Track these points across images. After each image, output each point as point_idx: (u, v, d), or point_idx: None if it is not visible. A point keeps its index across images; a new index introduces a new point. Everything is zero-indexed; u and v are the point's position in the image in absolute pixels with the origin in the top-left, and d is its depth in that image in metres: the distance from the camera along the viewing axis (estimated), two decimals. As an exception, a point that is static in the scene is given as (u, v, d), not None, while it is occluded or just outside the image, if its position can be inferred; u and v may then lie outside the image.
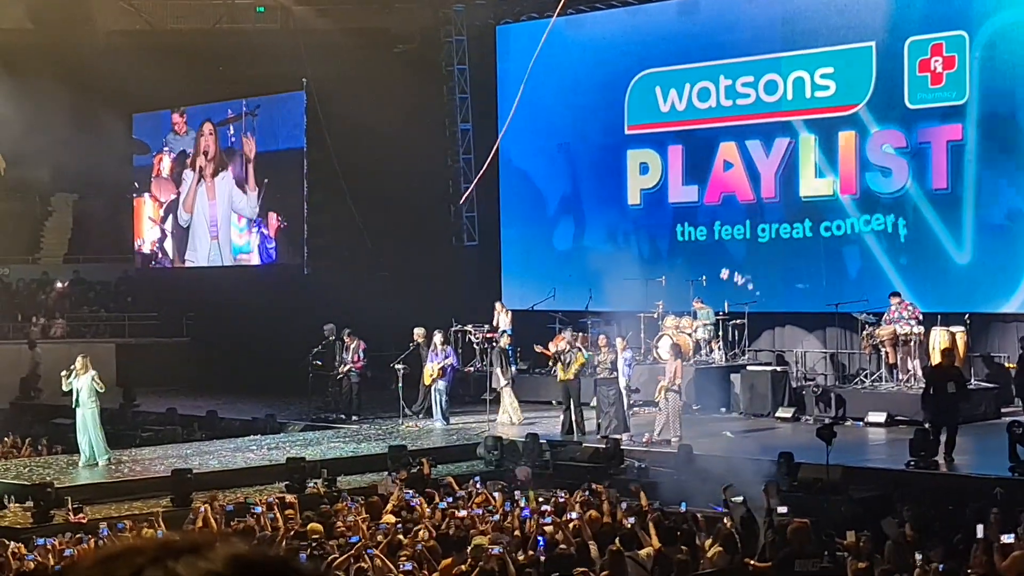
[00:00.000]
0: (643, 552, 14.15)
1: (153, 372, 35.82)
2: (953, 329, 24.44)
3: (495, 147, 31.33)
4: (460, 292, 32.35)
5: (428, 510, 16.93)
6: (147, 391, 33.12)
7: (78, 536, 16.18)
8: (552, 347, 25.92)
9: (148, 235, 40.90)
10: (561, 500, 17.31)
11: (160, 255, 40.63)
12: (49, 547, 15.26)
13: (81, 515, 18.61)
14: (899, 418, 24.02)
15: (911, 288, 26.03)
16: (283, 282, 36.17)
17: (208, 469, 22.20)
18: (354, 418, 27.72)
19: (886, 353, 25.14)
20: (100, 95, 37.98)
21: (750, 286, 27.58)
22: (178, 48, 37.12)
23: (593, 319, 28.93)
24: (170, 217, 40.13)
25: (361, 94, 33.14)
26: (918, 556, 13.38)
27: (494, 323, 29.63)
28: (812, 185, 28.11)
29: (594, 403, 24.79)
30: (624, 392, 24.23)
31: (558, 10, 29.36)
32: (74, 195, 43.67)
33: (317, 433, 26.55)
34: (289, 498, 18.36)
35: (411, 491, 18.42)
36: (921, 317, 24.72)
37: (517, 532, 15.21)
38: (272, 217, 37.19)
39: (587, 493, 17.90)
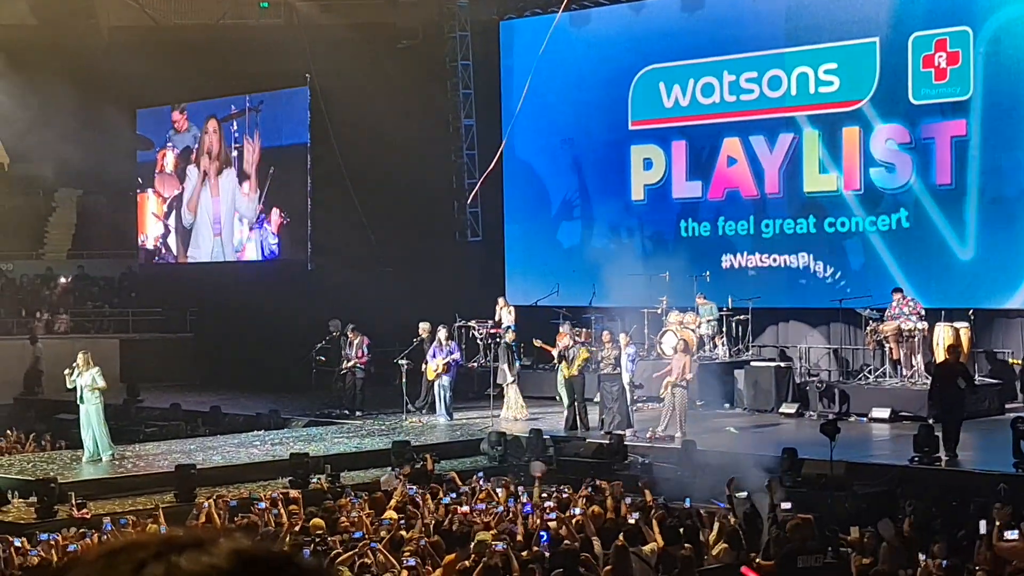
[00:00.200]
0: (647, 548, 14.14)
1: (157, 368, 35.83)
2: (957, 325, 24.42)
3: (502, 144, 31.33)
4: (464, 288, 32.33)
5: (432, 506, 16.93)
6: (151, 387, 33.12)
7: (81, 531, 16.17)
8: (557, 343, 25.98)
9: (152, 231, 40.92)
10: (564, 496, 17.31)
11: (164, 251, 40.65)
12: (52, 542, 15.26)
13: (84, 511, 18.61)
14: (903, 414, 24.03)
15: (914, 284, 26.01)
16: (287, 278, 36.17)
17: (212, 465, 22.22)
18: (357, 414, 27.73)
19: (890, 349, 25.12)
20: (104, 91, 37.99)
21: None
22: (182, 44, 37.13)
23: (596, 315, 28.92)
24: (173, 213, 40.15)
25: (365, 90, 33.15)
26: (921, 557, 13.35)
27: (496, 319, 29.63)
28: (816, 181, 28.09)
29: (598, 399, 24.78)
30: (627, 388, 24.23)
31: (563, 6, 29.39)
32: (78, 190, 43.69)
33: (321, 429, 26.55)
34: (293, 493, 18.36)
35: (414, 487, 18.42)
36: (923, 312, 24.71)
37: (520, 529, 15.19)
38: (275, 213, 37.20)
39: (590, 489, 17.90)
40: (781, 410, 25.60)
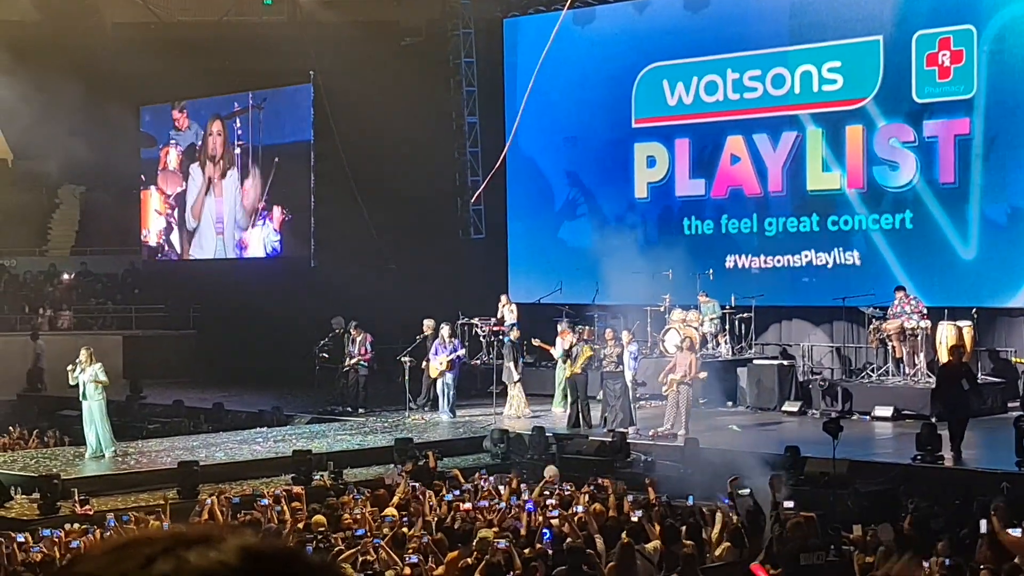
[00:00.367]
0: (650, 546, 14.14)
1: (160, 364, 35.88)
2: (960, 323, 24.42)
3: (508, 142, 31.33)
4: (467, 285, 32.34)
5: (434, 503, 16.93)
6: (154, 383, 33.15)
7: (84, 528, 16.19)
8: (560, 341, 26.03)
9: (155, 227, 40.94)
10: (567, 493, 17.31)
11: (167, 248, 40.67)
12: (55, 539, 15.28)
13: (87, 507, 18.63)
14: (906, 412, 24.03)
15: (917, 282, 26.00)
16: (290, 275, 36.19)
17: (214, 461, 22.23)
18: (360, 411, 27.74)
19: (893, 347, 25.13)
20: (108, 87, 38.02)
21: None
22: (185, 41, 37.14)
23: (599, 312, 28.92)
24: (176, 210, 40.16)
25: (368, 87, 33.15)
26: (925, 565, 13.34)
27: (499, 316, 29.65)
28: (819, 179, 28.09)
29: (600, 397, 24.79)
30: (630, 386, 24.25)
31: (568, 4, 29.39)
32: (81, 187, 43.73)
33: (323, 426, 26.56)
34: (296, 490, 18.37)
35: (417, 484, 18.42)
36: (925, 311, 24.70)
37: (524, 526, 15.19)
38: (276, 211, 37.23)
39: (592, 488, 17.89)
40: (784, 408, 25.61)
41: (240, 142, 38.17)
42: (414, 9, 36.09)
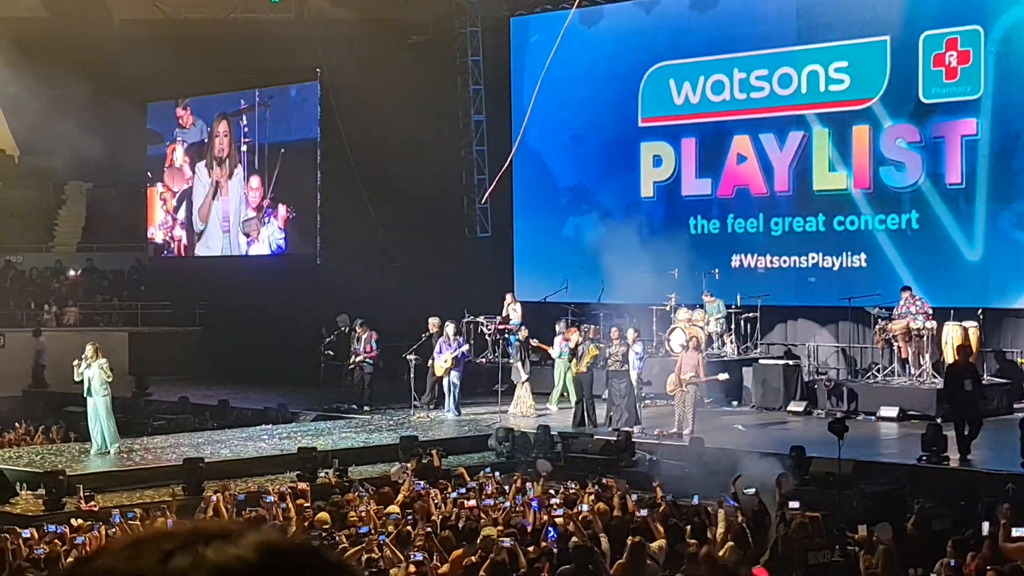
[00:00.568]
0: (654, 545, 14.13)
1: (165, 361, 35.89)
2: (966, 324, 24.40)
3: (517, 141, 31.33)
4: (472, 283, 32.34)
5: (439, 500, 16.94)
6: (159, 380, 33.19)
7: (89, 524, 16.21)
8: (557, 342, 26.13)
9: (161, 224, 40.97)
10: (572, 492, 17.31)
11: (173, 244, 40.69)
12: (60, 535, 15.30)
13: (92, 503, 18.65)
14: (911, 413, 24.02)
15: (923, 283, 25.97)
16: (296, 272, 36.20)
17: (220, 458, 22.26)
18: (365, 408, 27.75)
19: (898, 348, 25.11)
20: (115, 84, 38.04)
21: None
22: (192, 38, 37.13)
23: (605, 311, 28.91)
24: (183, 207, 40.19)
25: (375, 85, 33.14)
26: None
27: (504, 315, 29.66)
28: (825, 179, 28.07)
29: (605, 396, 24.79)
30: (635, 385, 24.26)
31: (576, 3, 29.37)
32: (88, 183, 43.72)
33: (329, 423, 26.58)
34: (301, 486, 18.38)
35: (422, 482, 18.44)
36: (931, 312, 24.68)
37: (530, 524, 15.20)
38: (281, 208, 37.25)
39: (597, 487, 17.89)
40: (789, 408, 25.61)
41: (246, 139, 38.18)
42: (421, 7, 36.07)
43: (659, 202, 30.67)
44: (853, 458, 19.34)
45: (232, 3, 38.73)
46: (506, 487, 18.13)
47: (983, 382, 22.41)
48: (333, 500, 17.36)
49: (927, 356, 24.72)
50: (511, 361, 27.46)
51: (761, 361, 27.09)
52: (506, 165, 31.67)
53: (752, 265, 29.08)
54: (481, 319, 30.23)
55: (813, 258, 28.23)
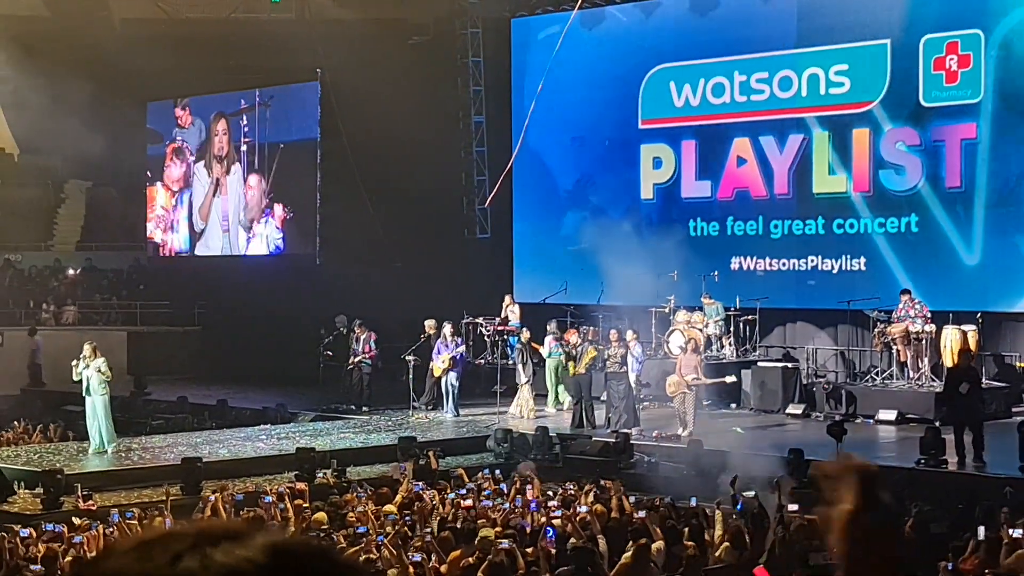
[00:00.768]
0: (653, 547, 14.13)
1: (164, 360, 35.88)
2: (965, 328, 24.39)
3: (519, 142, 31.31)
4: (472, 284, 32.34)
5: (437, 502, 16.93)
6: (158, 379, 33.18)
7: (87, 523, 16.19)
8: (547, 343, 26.17)
9: (160, 223, 40.98)
10: (570, 493, 17.31)
11: (172, 244, 40.71)
12: (58, 534, 15.28)
13: (90, 502, 18.64)
14: (910, 416, 24.00)
15: (922, 286, 25.96)
16: (295, 272, 36.20)
17: (218, 458, 22.24)
18: (364, 409, 27.74)
19: (897, 351, 25.11)
20: (115, 83, 38.05)
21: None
22: (193, 37, 37.15)
23: (604, 313, 28.89)
24: (183, 207, 40.19)
25: (375, 85, 33.14)
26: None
27: (503, 315, 29.65)
28: (825, 182, 28.07)
29: (604, 397, 24.79)
30: (634, 386, 24.26)
31: (578, 5, 29.37)
32: (88, 182, 43.73)
33: (327, 423, 26.58)
34: (299, 486, 18.37)
35: (420, 483, 18.43)
36: (929, 315, 24.68)
37: (530, 525, 15.19)
38: (279, 208, 37.26)
39: (596, 488, 17.88)
40: (788, 411, 25.60)
41: (246, 139, 38.19)
42: (422, 7, 36.08)
43: (659, 204, 30.67)
44: (851, 461, 19.29)
45: (233, 3, 38.74)
46: (504, 488, 18.12)
47: (981, 385, 22.34)
48: (331, 500, 17.34)
49: (926, 360, 24.72)
50: (512, 363, 27.46)
51: (760, 364, 27.07)
52: (507, 168, 31.65)
53: (751, 268, 29.09)
54: (480, 320, 30.22)
55: (812, 261, 28.23)
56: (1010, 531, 13.78)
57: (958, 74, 26.13)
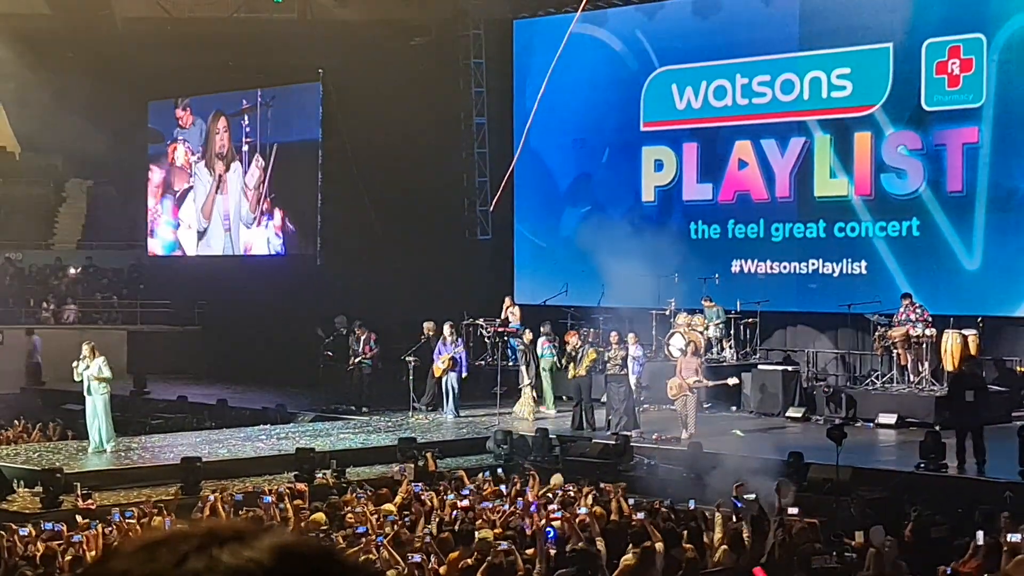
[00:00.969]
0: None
1: (164, 360, 35.88)
2: (965, 332, 24.38)
3: (521, 144, 31.30)
4: (472, 286, 32.33)
5: (437, 503, 16.93)
6: (158, 379, 33.17)
7: (86, 522, 16.18)
8: (547, 343, 26.17)
9: (161, 223, 41.01)
10: (570, 495, 17.30)
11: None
12: (57, 532, 15.28)
13: (90, 501, 18.63)
14: (910, 420, 23.99)
15: (923, 290, 25.95)
16: (295, 272, 36.21)
17: (217, 458, 22.22)
18: (364, 410, 27.73)
19: (898, 355, 25.10)
20: (117, 82, 38.06)
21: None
22: (195, 37, 37.16)
23: (604, 315, 28.89)
24: (183, 206, 40.21)
25: (377, 86, 33.15)
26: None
27: (503, 317, 29.65)
28: (827, 185, 28.06)
29: (604, 400, 24.78)
30: (634, 389, 24.26)
31: (581, 7, 29.37)
32: (89, 181, 43.75)
33: (327, 424, 26.57)
34: (299, 487, 18.36)
35: (419, 484, 18.42)
36: (930, 319, 24.67)
37: (530, 527, 15.18)
38: (277, 214, 37.27)
39: (594, 491, 17.87)
40: (788, 414, 25.58)
41: (248, 139, 38.20)
42: (424, 9, 36.07)
43: (660, 206, 30.66)
44: (851, 465, 19.32)
45: (235, 2, 38.73)
46: (504, 489, 18.11)
47: (988, 392, 22.26)
48: (329, 501, 17.34)
49: (926, 364, 24.71)
50: (512, 364, 27.47)
51: (760, 367, 27.07)
52: (509, 170, 31.63)
53: (752, 270, 29.08)
54: (480, 322, 30.21)
55: (813, 264, 28.23)
56: (1010, 536, 13.76)
57: (960, 78, 26.13)
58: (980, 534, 14.18)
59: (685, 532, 14.82)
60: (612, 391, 24.20)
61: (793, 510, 15.50)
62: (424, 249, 34.00)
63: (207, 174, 39.37)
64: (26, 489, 20.18)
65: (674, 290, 28.19)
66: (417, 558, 13.18)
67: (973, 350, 23.91)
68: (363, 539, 14.06)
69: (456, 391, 26.78)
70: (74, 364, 22.97)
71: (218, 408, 28.99)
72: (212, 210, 39.22)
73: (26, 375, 35.11)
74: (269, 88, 37.52)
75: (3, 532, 15.12)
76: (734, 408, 26.44)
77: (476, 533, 14.22)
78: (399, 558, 13.43)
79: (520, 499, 17.09)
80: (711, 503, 16.61)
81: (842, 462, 18.91)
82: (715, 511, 15.94)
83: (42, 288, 40.21)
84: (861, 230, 27.58)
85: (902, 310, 24.93)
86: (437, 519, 15.82)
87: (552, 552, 13.96)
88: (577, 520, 15.07)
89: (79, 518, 16.63)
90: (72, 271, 41.26)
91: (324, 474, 20.63)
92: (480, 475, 19.58)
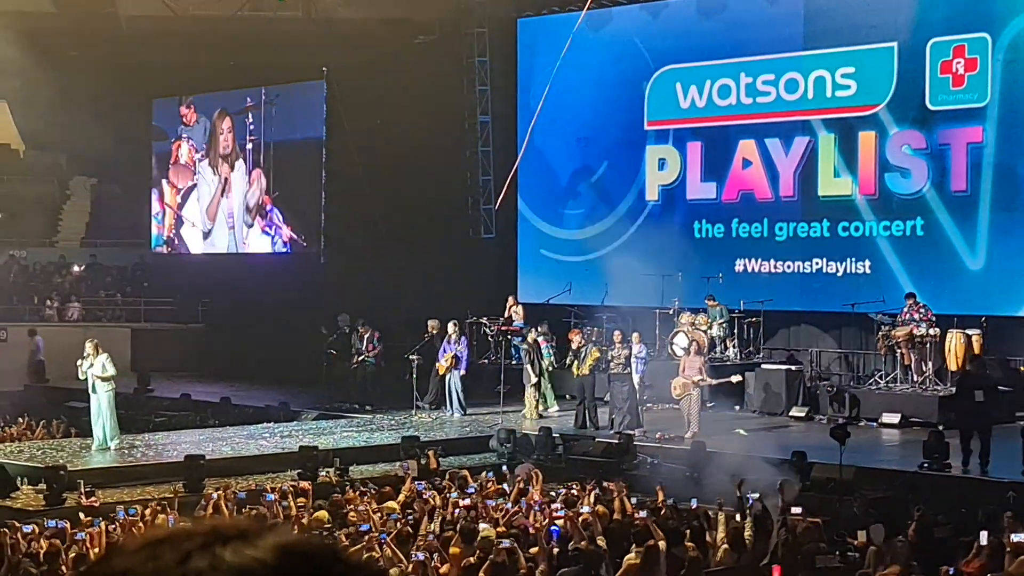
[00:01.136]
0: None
1: (168, 358, 35.89)
2: (969, 332, 24.37)
3: (525, 142, 31.29)
4: (476, 284, 32.33)
5: (440, 502, 16.93)
6: (161, 376, 33.19)
7: (89, 519, 16.20)
8: (544, 343, 26.21)
9: (165, 221, 41.02)
10: (574, 493, 17.30)
11: (176, 241, 40.73)
12: (60, 530, 15.28)
13: (93, 499, 18.64)
14: (913, 420, 23.98)
15: (926, 290, 25.93)
16: (299, 270, 36.21)
17: (220, 456, 22.23)
18: (367, 408, 27.74)
19: (901, 354, 25.08)
20: (121, 80, 38.08)
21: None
22: (199, 35, 37.16)
23: (608, 314, 28.89)
24: (187, 204, 40.23)
25: (381, 84, 33.15)
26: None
27: (506, 315, 29.65)
28: (831, 185, 28.04)
29: (608, 398, 24.78)
30: (637, 388, 24.25)
31: (587, 6, 29.35)
32: (93, 179, 43.77)
33: (330, 422, 26.59)
34: (303, 485, 18.37)
35: (423, 482, 18.42)
36: (934, 319, 24.66)
37: (533, 525, 15.18)
38: (282, 207, 37.28)
39: (598, 489, 17.87)
40: (791, 413, 25.58)
41: (252, 137, 38.21)
42: (429, 7, 36.04)
43: (664, 205, 30.64)
44: (854, 464, 19.31)
45: (239, 1, 38.74)
46: (507, 488, 18.11)
47: (998, 392, 22.16)
48: (333, 499, 17.34)
49: (930, 363, 24.69)
50: (516, 363, 27.46)
51: (764, 366, 27.06)
52: (514, 169, 31.62)
53: (756, 270, 29.07)
54: (484, 320, 30.22)
55: (817, 264, 28.21)
56: (1013, 536, 13.75)
57: (965, 78, 26.11)
58: (983, 534, 14.17)
59: (688, 531, 14.81)
60: (615, 390, 24.21)
61: (796, 509, 15.50)
62: (428, 248, 33.99)
63: (211, 173, 39.38)
64: (30, 486, 20.20)
65: (678, 289, 28.18)
66: (420, 556, 13.18)
67: (977, 350, 23.90)
68: (366, 537, 14.06)
69: (460, 389, 26.78)
70: (78, 362, 22.98)
71: (221, 406, 29.01)
72: (217, 212, 39.22)
73: (30, 373, 35.13)
74: (273, 86, 37.52)
75: (6, 529, 15.12)
76: (737, 407, 26.41)
77: (479, 532, 14.22)
78: (402, 556, 13.43)
79: (523, 499, 17.10)
80: (714, 502, 16.62)
81: (845, 461, 18.90)
82: (718, 510, 15.93)
83: (46, 286, 40.23)
84: (865, 229, 27.56)
85: (906, 310, 24.91)
86: (440, 517, 15.82)
87: (555, 551, 13.96)
88: (580, 519, 15.07)
89: (82, 515, 16.64)
90: (76, 269, 41.27)
91: (327, 472, 20.64)
92: (483, 473, 19.56)
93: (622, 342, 24.39)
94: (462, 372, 26.96)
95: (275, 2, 38.04)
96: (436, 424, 25.90)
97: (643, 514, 15.34)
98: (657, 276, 28.23)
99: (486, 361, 30.08)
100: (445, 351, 26.86)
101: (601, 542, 14.35)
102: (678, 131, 30.31)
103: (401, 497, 17.27)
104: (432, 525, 15.32)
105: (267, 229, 37.82)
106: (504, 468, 20.63)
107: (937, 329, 24.48)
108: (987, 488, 18.51)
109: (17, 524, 15.62)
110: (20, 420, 28.01)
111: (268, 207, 37.66)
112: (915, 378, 25.00)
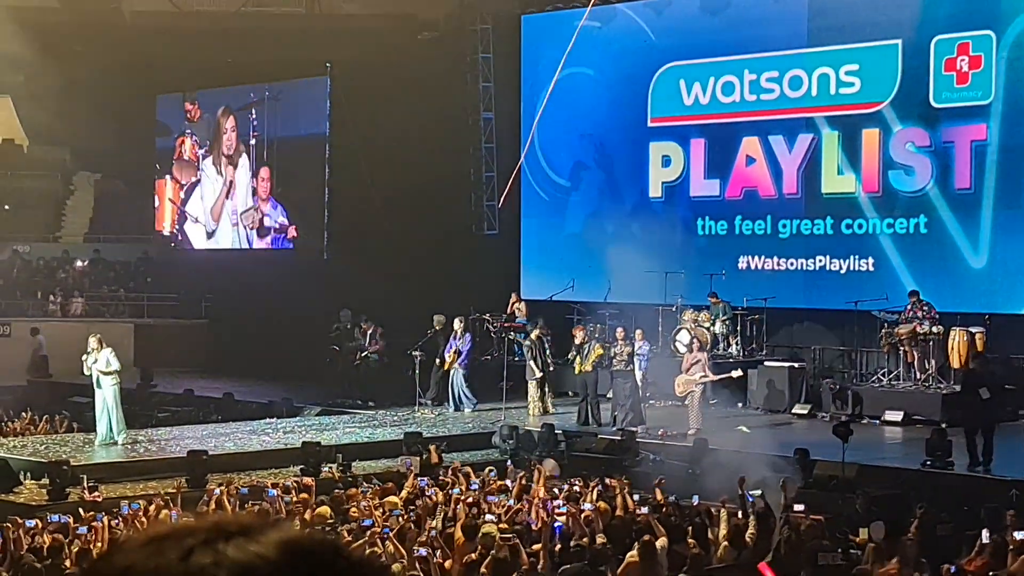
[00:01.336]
0: (657, 544, 14.12)
1: (171, 353, 35.91)
2: (972, 330, 24.35)
3: (529, 139, 31.28)
4: (479, 281, 32.33)
5: (442, 498, 16.94)
6: (164, 372, 33.20)
7: (92, 514, 16.21)
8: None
9: (169, 216, 41.03)
10: (576, 490, 17.31)
11: (180, 237, 40.74)
12: (63, 524, 15.30)
13: (96, 494, 18.65)
14: (916, 417, 23.97)
15: (930, 287, 25.91)
16: (303, 266, 36.21)
17: (223, 451, 22.24)
18: (370, 404, 27.75)
19: (904, 352, 25.07)
20: (125, 75, 38.09)
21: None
22: (203, 31, 37.19)
23: (611, 311, 28.89)
24: (190, 200, 40.23)
25: (385, 80, 33.14)
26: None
27: (508, 312, 29.64)
28: (834, 182, 28.03)
29: (610, 395, 24.78)
30: (640, 385, 24.25)
31: (591, 3, 29.35)
32: (96, 174, 43.79)
33: (333, 418, 26.60)
34: (306, 481, 18.37)
35: (425, 478, 18.43)
36: (937, 316, 24.65)
37: (537, 521, 15.19)
38: (285, 203, 37.29)
39: (599, 487, 17.87)
40: (794, 411, 25.57)
41: (255, 133, 38.21)
42: (432, 3, 36.07)
43: (667, 202, 30.64)
44: (857, 462, 19.32)
45: (243, -4, 38.80)
46: (509, 483, 18.12)
47: (1003, 390, 22.13)
48: (335, 495, 17.35)
49: (933, 361, 24.68)
50: (519, 359, 27.48)
51: (766, 363, 27.04)
52: (518, 165, 31.62)
53: (759, 267, 29.06)
54: (487, 316, 30.22)
55: (820, 261, 28.20)
56: (1016, 534, 13.76)
57: (969, 75, 26.09)
58: (986, 532, 14.18)
59: (690, 528, 14.82)
60: (618, 387, 24.21)
61: (799, 507, 15.51)
62: (431, 244, 33.99)
63: (214, 171, 39.36)
64: (33, 481, 20.22)
65: (680, 286, 28.17)
66: (423, 552, 13.19)
67: (980, 348, 23.87)
68: (368, 533, 14.07)
69: (463, 385, 26.77)
70: (83, 357, 22.98)
71: (224, 401, 29.03)
72: (221, 212, 39.22)
73: (33, 368, 35.15)
74: (277, 82, 37.52)
75: (10, 524, 15.13)
76: (740, 404, 26.40)
77: (481, 528, 14.23)
78: (404, 552, 13.44)
79: (524, 495, 17.10)
80: (716, 499, 16.61)
81: (848, 459, 18.91)
82: (720, 507, 15.94)
83: (49, 281, 40.25)
84: (868, 227, 27.55)
85: (909, 307, 24.90)
86: (442, 513, 15.83)
87: (557, 547, 13.97)
88: (582, 516, 15.08)
89: (85, 511, 16.65)
90: (79, 264, 41.28)
91: (330, 468, 20.65)
92: (486, 469, 19.56)
93: (625, 339, 24.40)
94: (463, 369, 26.95)
95: (279, -2, 38.13)
96: (439, 420, 25.90)
97: (645, 510, 15.35)
98: (660, 273, 28.23)
99: (488, 357, 30.05)
100: (451, 347, 26.86)
101: (600, 539, 14.35)
102: (682, 128, 30.30)
103: (403, 493, 17.29)
104: (434, 521, 15.33)
105: (269, 225, 37.82)
106: (509, 463, 20.65)
107: (940, 327, 24.46)
108: (990, 486, 18.50)
109: (20, 519, 15.62)
110: (23, 415, 28.01)
111: (273, 204, 37.64)
112: (918, 376, 24.98)
